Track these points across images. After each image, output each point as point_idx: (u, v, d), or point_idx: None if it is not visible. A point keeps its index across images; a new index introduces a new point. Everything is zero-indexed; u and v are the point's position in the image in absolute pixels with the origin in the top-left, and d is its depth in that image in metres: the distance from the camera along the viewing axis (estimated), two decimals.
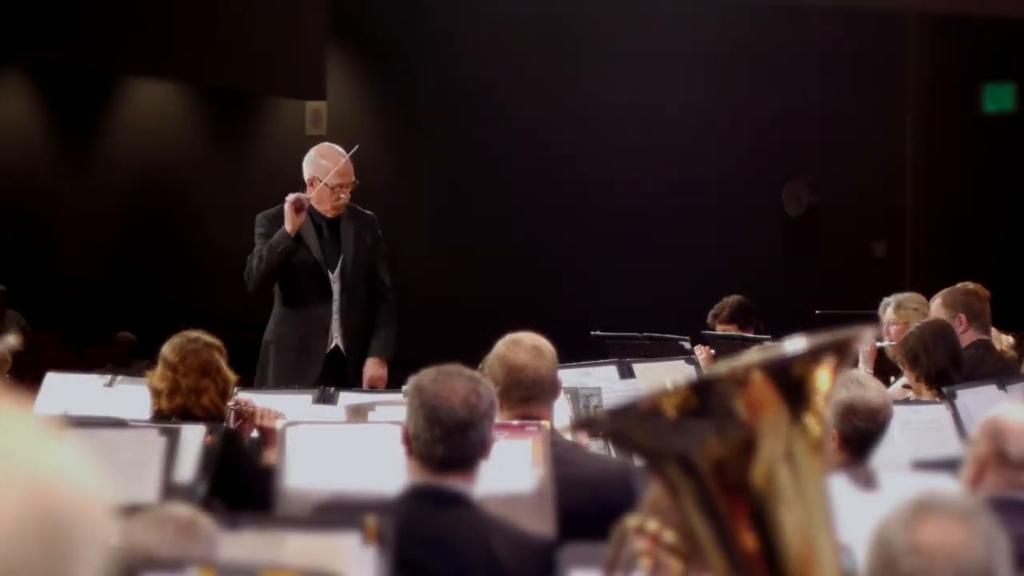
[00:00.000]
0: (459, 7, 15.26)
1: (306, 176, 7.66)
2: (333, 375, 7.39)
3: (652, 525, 2.42)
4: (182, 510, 3.22)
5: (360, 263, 7.67)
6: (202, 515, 3.23)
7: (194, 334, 5.61)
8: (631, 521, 2.48)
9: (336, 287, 7.62)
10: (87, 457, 1.31)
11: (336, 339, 7.62)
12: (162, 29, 15.94)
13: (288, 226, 7.49)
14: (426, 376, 3.96)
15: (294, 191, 7.70)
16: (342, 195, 7.60)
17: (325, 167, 7.60)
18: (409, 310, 13.40)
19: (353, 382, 7.41)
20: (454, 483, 3.88)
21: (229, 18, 15.67)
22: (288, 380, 7.36)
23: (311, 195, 7.57)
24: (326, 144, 7.89)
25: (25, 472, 1.26)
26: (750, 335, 8.24)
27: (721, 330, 8.43)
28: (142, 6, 16.06)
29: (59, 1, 16.30)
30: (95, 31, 16.23)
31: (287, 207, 7.51)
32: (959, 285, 7.67)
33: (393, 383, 7.13)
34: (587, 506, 4.14)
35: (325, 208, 7.63)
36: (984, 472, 3.92)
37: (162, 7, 15.99)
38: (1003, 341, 7.75)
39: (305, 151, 7.86)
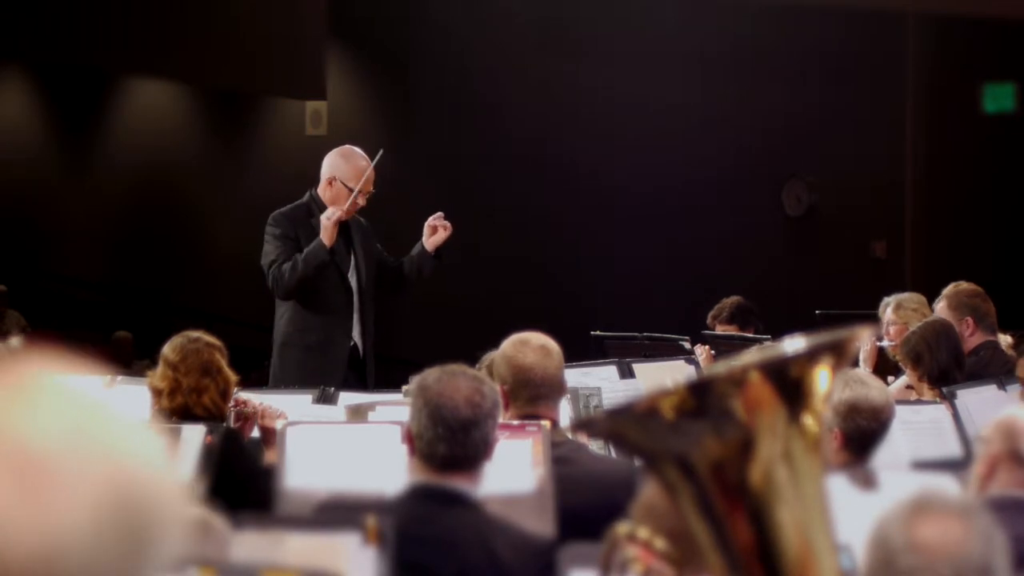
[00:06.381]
0: (459, 7, 15.25)
1: (326, 174, 7.58)
2: (355, 377, 7.37)
3: (643, 532, 2.42)
4: (196, 510, 3.21)
5: (370, 266, 7.66)
6: (215, 515, 3.23)
7: (195, 334, 5.62)
8: (622, 528, 2.47)
9: (354, 288, 7.60)
10: (160, 440, 1.27)
11: (356, 339, 7.60)
12: (162, 29, 15.94)
13: (327, 240, 7.40)
14: (430, 376, 3.96)
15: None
16: (360, 200, 7.56)
17: (348, 171, 7.55)
18: (409, 310, 13.45)
19: (371, 383, 7.38)
20: (456, 483, 3.87)
21: (228, 18, 15.66)
22: (313, 383, 7.26)
23: (340, 208, 7.47)
24: (351, 148, 7.80)
25: (104, 459, 1.21)
26: (750, 335, 8.23)
27: (721, 331, 8.42)
28: (142, 5, 16.05)
29: (59, 0, 16.30)
30: (95, 30, 16.22)
31: (331, 224, 7.41)
32: (963, 285, 7.66)
33: (394, 383, 7.13)
34: (594, 506, 4.14)
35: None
36: (995, 470, 3.93)
37: (162, 6, 15.98)
38: (1002, 341, 7.75)
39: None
